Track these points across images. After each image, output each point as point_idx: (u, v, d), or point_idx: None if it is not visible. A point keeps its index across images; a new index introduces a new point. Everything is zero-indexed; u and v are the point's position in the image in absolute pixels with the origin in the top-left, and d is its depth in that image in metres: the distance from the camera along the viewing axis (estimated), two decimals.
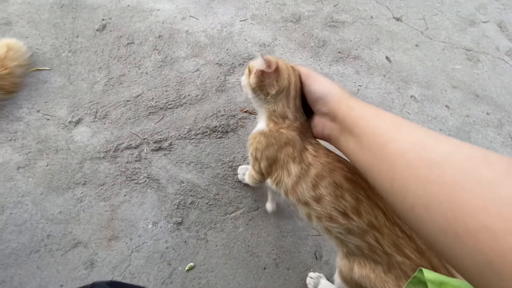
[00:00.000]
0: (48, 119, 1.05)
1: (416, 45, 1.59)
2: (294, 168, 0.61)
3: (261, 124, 0.66)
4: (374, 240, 0.56)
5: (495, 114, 1.40)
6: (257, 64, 0.59)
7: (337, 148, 0.52)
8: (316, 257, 0.94)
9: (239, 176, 1.01)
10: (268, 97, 0.61)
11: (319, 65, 1.38)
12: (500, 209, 0.24)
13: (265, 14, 1.50)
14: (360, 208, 0.55)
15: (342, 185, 0.56)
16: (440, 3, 1.83)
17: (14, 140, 1.00)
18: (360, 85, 1.35)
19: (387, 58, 1.50)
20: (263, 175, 0.72)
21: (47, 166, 0.97)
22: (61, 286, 0.82)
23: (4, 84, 1.03)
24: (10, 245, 0.84)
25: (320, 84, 0.54)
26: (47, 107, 1.07)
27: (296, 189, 0.62)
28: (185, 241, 0.91)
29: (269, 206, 0.95)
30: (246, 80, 0.65)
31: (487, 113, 1.40)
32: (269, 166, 0.68)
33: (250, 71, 0.63)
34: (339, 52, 1.45)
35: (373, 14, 1.67)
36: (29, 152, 0.98)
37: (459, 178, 0.28)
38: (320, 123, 0.56)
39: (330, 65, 1.39)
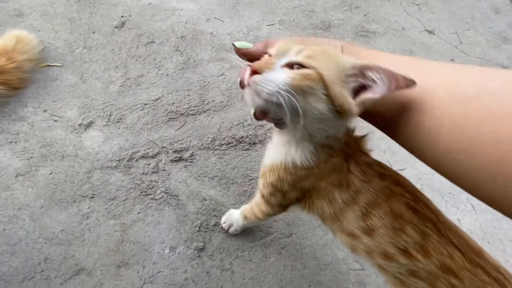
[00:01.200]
0: (55, 121, 0.93)
1: (451, 60, 1.49)
2: (339, 196, 0.47)
3: (298, 153, 0.45)
4: None
5: None
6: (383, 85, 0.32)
7: None
8: None
9: (223, 225, 0.81)
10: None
11: None
12: None
13: (293, 20, 1.41)
14: (428, 245, 0.43)
15: (403, 215, 0.44)
16: (471, 18, 1.76)
17: (15, 142, 0.87)
18: None
19: None
20: (282, 207, 0.57)
21: (50, 174, 0.84)
22: None
23: (10, 79, 0.92)
24: (0, 269, 0.70)
25: None
26: (55, 107, 0.95)
27: (340, 217, 0.48)
28: (208, 272, 0.77)
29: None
30: (319, 104, 0.35)
31: None
32: (301, 196, 0.53)
33: (332, 91, 0.34)
34: None
35: (404, 25, 1.58)
36: (31, 157, 0.85)
37: (502, 107, 0.24)
38: None
39: None
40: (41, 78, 1.00)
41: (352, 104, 0.35)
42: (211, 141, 0.98)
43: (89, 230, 0.77)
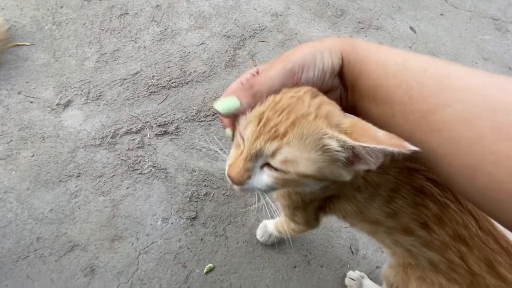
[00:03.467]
0: (31, 102, 0.89)
1: (441, 14, 1.44)
2: (360, 196, 0.46)
3: None
4: (457, 256, 0.43)
5: None
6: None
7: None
8: (352, 252, 0.82)
9: (261, 239, 0.78)
10: None
11: (338, 36, 1.23)
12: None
13: None
14: (444, 215, 0.42)
15: (424, 188, 0.43)
16: None
17: None
18: None
19: (411, 28, 1.35)
20: (311, 222, 0.55)
21: (32, 156, 0.82)
22: None
23: None
24: None
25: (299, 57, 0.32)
26: (30, 88, 0.91)
27: (364, 210, 0.47)
28: (202, 239, 0.78)
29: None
30: (307, 187, 0.36)
31: None
32: (323, 203, 0.51)
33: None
34: (359, 22, 1.29)
35: None
36: (11, 141, 0.83)
37: None
38: None
39: (350, 36, 1.24)
40: (11, 59, 0.95)
41: (344, 174, 0.31)
42: (196, 113, 0.95)
43: (79, 208, 0.77)
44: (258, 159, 0.30)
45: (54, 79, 0.94)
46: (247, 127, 0.30)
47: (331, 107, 0.30)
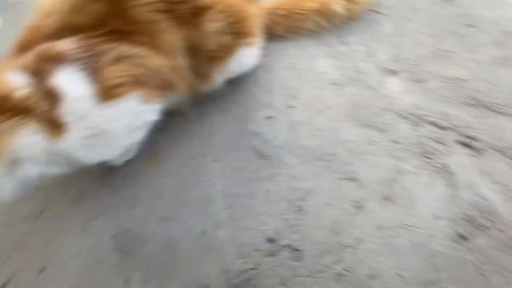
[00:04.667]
0: (368, 56, 1.04)
1: None
2: None
3: None
4: None
5: None
6: None
7: None
8: None
9: None
10: None
11: None
12: None
13: None
14: None
15: None
16: None
17: (336, 58, 1.05)
18: None
19: None
20: None
21: (355, 95, 0.96)
22: (329, 205, 0.80)
23: (353, 10, 1.09)
24: (301, 142, 0.89)
25: None
26: (371, 46, 1.07)
27: None
28: (464, 263, 0.71)
29: None
30: None
31: None
32: None
33: None
34: None
35: None
36: (344, 75, 1.01)
37: None
38: None
39: None
40: (367, 18, 1.14)
41: None
42: (505, 147, 0.86)
43: (370, 154, 0.86)
44: None
45: (391, 49, 1.06)
46: None
47: None
